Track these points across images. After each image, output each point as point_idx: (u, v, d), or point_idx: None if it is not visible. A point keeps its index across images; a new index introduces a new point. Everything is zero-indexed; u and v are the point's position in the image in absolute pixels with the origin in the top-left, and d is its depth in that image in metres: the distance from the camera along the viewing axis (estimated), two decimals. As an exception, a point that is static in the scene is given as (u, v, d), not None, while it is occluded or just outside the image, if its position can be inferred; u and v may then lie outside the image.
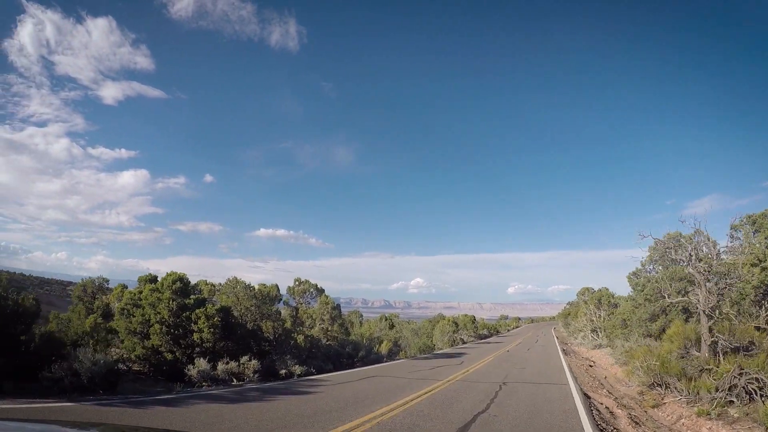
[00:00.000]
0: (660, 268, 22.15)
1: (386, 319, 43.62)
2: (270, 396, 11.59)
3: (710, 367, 12.85)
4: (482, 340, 46.82)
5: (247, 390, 12.89)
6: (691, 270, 14.38)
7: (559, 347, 33.33)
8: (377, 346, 28.15)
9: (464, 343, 42.46)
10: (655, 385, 13.78)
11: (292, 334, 22.26)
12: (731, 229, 21.56)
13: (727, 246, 22.04)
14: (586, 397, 12.82)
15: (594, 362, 24.65)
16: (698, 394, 12.75)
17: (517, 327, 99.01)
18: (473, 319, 50.70)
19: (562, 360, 23.58)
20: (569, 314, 64.19)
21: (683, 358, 14.16)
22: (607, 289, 36.65)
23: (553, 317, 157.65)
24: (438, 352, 30.62)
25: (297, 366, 18.97)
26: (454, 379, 15.14)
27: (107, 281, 28.86)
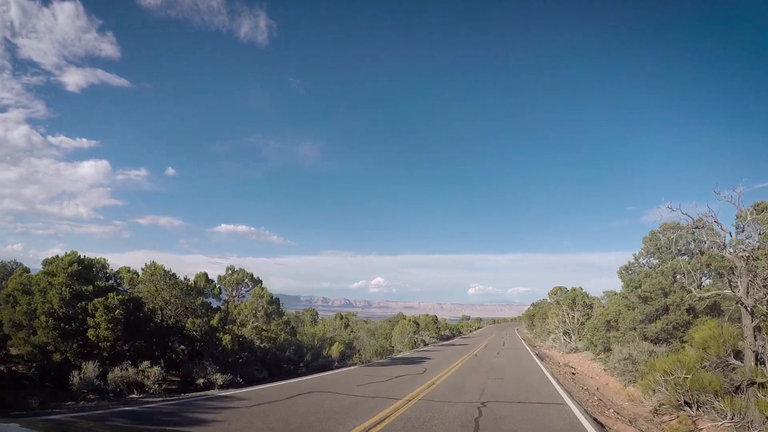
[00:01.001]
0: (655, 261, 19.04)
1: (342, 318, 39.73)
2: (140, 426, 7.44)
3: (761, 380, 9.50)
4: (445, 342, 43.41)
5: (116, 414, 8.71)
6: (728, 255, 11.01)
7: (530, 351, 30.12)
8: (327, 348, 24.28)
9: (426, 344, 38.91)
10: (684, 404, 10.35)
11: (218, 334, 18.09)
12: (737, 218, 18.68)
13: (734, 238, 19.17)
14: (598, 425, 9.21)
15: (575, 368, 21.40)
16: (743, 416, 9.41)
17: (479, 328, 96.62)
18: (435, 320, 47.26)
19: (541, 367, 20.17)
20: (534, 315, 61.75)
21: (714, 369, 10.81)
22: (581, 289, 33.78)
23: (515, 318, 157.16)
24: (397, 356, 26.83)
25: (219, 374, 15.00)
26: (417, 398, 11.30)
27: (21, 265, 24.82)
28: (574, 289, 34.44)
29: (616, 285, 32.11)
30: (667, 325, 16.29)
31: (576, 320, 31.58)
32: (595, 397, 13.37)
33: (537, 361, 22.96)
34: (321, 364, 21.09)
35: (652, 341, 17.15)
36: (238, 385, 14.50)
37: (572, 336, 31.47)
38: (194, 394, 12.86)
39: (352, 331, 32.00)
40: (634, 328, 17.52)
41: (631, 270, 19.31)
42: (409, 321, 35.04)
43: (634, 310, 17.99)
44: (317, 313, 56.32)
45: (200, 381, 14.76)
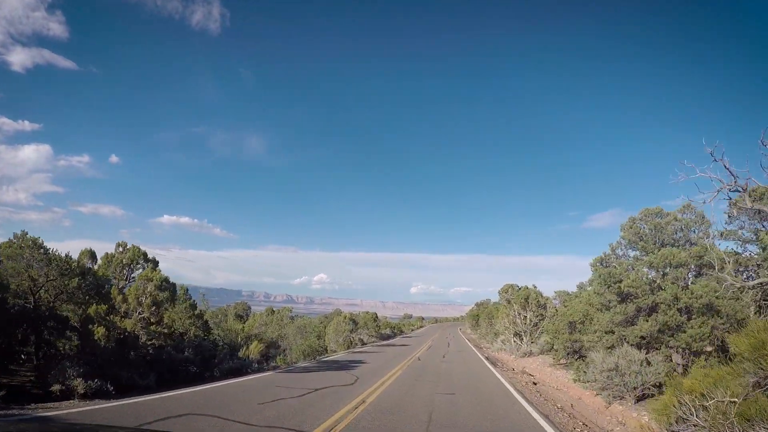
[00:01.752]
0: (635, 253, 16.13)
1: (273, 313, 35.49)
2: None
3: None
4: (385, 342, 39.92)
5: None
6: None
7: (479, 354, 27.02)
8: (245, 348, 20.36)
9: (364, 344, 35.25)
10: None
11: (91, 326, 13.75)
12: (730, 206, 16.05)
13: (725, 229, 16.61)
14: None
15: (534, 376, 18.29)
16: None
17: (421, 327, 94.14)
18: (375, 317, 43.64)
19: (497, 375, 16.90)
20: (478, 315, 59.50)
21: (762, 388, 7.67)
22: (534, 287, 31.09)
23: (457, 318, 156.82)
24: (328, 358, 22.94)
25: (81, 380, 10.98)
26: (336, 428, 7.49)
27: None
28: (526, 288, 31.73)
29: (563, 285, 29.86)
30: (652, 327, 13.30)
31: (529, 321, 28.79)
32: (579, 422, 10.04)
33: (489, 366, 19.73)
34: (235, 366, 17.31)
35: (632, 346, 14.20)
36: (106, 395, 10.71)
37: (524, 338, 28.66)
38: (35, 406, 8.87)
39: (281, 328, 27.81)
40: (612, 332, 14.48)
41: (606, 262, 16.31)
42: (345, 318, 31.17)
43: (609, 309, 14.96)
44: (249, 308, 51.52)
45: (56, 388, 10.70)
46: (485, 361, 22.02)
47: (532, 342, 28.07)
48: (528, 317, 28.98)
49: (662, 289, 13.50)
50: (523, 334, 28.98)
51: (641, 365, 11.73)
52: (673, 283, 13.55)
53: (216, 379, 14.77)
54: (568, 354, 18.91)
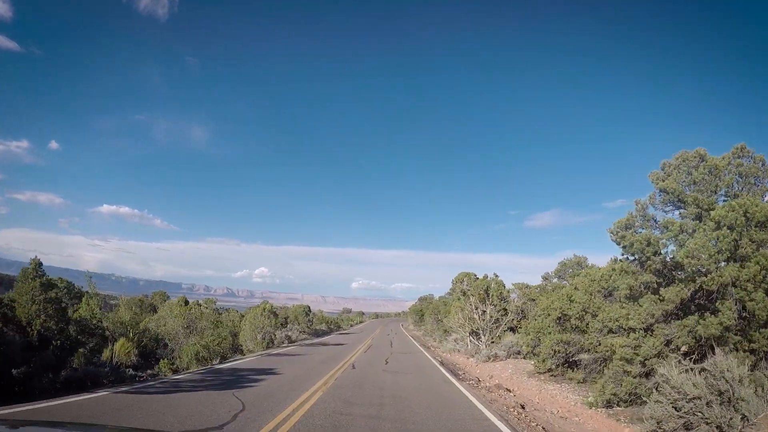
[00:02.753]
0: (678, 212, 11.07)
1: (186, 304, 28.90)
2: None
3: None
4: (318, 339, 33.97)
5: None
6: None
7: (430, 357, 21.57)
8: (109, 348, 14.41)
9: (291, 342, 29.18)
10: None
11: None
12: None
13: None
14: None
15: (512, 392, 12.99)
16: None
17: (361, 322, 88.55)
18: (307, 310, 37.51)
19: (467, 395, 11.44)
20: (423, 311, 54.67)
21: None
22: (496, 277, 26.15)
23: (398, 314, 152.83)
24: (227, 363, 16.73)
25: None
26: None
27: None
28: (486, 277, 26.76)
29: (505, 283, 25.51)
30: (729, 320, 8.23)
31: (489, 317, 23.78)
32: None
33: (450, 378, 14.28)
34: (77, 376, 11.51)
35: (678, 351, 9.15)
36: None
37: (483, 337, 23.63)
38: None
39: (174, 320, 21.28)
40: (649, 330, 9.35)
41: (630, 227, 11.17)
42: (263, 311, 24.88)
43: (642, 296, 9.86)
44: (168, 297, 45.36)
45: None
46: (441, 369, 16.59)
47: (492, 342, 23.12)
48: (488, 312, 23.97)
49: (753, 258, 8.46)
50: (481, 332, 23.95)
51: (741, 384, 6.56)
52: (759, 250, 8.55)
53: (45, 397, 9.19)
54: (556, 359, 13.85)
